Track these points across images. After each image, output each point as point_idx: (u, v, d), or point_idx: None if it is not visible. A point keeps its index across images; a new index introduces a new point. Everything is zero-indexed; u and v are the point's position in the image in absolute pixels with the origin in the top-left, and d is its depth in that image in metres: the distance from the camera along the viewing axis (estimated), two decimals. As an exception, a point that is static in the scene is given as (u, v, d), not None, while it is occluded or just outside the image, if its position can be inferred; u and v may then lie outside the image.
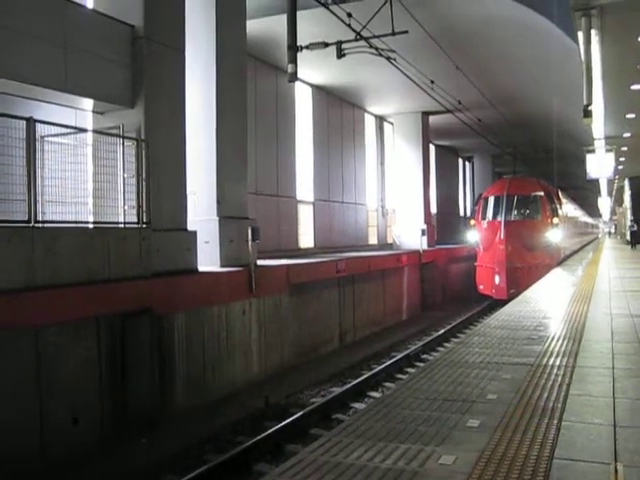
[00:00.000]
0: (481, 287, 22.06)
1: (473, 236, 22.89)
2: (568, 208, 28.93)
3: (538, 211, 21.56)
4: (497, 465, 3.26)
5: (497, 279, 20.30)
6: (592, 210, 62.75)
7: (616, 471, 3.14)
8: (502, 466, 3.25)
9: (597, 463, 3.25)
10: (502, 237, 20.24)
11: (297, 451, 6.75)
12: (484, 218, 22.09)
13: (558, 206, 22.85)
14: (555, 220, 21.52)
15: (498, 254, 20.30)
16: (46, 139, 8.18)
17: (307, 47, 11.90)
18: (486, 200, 22.35)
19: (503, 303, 13.41)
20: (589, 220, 55.63)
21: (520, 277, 19.54)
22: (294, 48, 11.36)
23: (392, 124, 26.14)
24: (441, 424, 3.97)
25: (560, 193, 25.67)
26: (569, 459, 3.31)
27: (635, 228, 33.52)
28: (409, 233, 24.31)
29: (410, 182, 25.22)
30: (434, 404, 4.43)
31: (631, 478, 3.07)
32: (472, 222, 23.24)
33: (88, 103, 9.77)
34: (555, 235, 21.50)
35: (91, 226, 8.96)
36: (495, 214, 21.39)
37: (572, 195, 38.46)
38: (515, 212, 21.23)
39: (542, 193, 21.83)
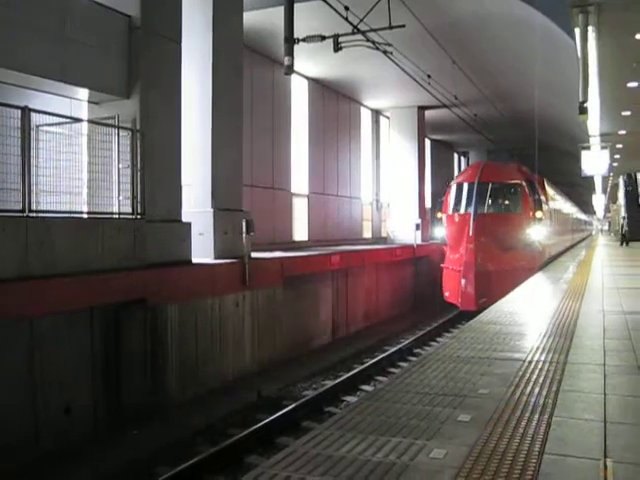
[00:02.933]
0: (447, 294, 18.47)
1: (441, 232, 19.52)
2: (557, 201, 25.88)
3: (517, 203, 18.08)
4: (487, 460, 3.27)
5: (463, 284, 16.75)
6: (586, 207, 62.84)
7: (605, 467, 3.16)
8: (492, 461, 3.26)
9: (587, 459, 3.27)
10: (471, 234, 16.79)
11: (288, 444, 6.77)
12: (451, 210, 18.54)
13: (543, 198, 19.59)
14: (538, 214, 18.00)
15: (466, 254, 16.78)
16: (41, 128, 8.15)
17: (304, 40, 11.84)
18: (454, 188, 18.79)
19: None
20: (582, 216, 55.23)
21: (492, 283, 16.05)
22: (291, 41, 11.29)
23: (388, 118, 26.11)
24: (432, 418, 3.98)
25: (547, 183, 22.68)
26: (559, 454, 3.33)
27: (626, 227, 33.06)
28: (403, 227, 24.29)
29: (405, 176, 25.15)
30: (425, 398, 4.44)
31: (620, 474, 3.09)
32: (439, 215, 19.54)
33: (84, 93, 9.73)
34: (538, 232, 18.14)
35: (85, 216, 8.94)
36: (463, 205, 17.89)
37: (566, 191, 38.20)
38: (489, 203, 17.65)
39: (522, 182, 18.35)
